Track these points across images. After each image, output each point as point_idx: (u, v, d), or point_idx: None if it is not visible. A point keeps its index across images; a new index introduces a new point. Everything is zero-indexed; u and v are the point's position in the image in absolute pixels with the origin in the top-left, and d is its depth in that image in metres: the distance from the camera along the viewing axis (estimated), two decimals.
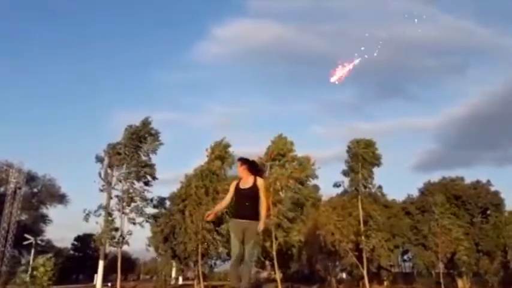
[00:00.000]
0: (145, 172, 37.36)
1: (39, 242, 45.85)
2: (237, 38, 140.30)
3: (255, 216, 5.83)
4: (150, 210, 39.00)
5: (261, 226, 5.76)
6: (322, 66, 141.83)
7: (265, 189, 6.01)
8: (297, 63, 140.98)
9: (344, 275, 53.08)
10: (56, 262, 32.03)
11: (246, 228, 5.76)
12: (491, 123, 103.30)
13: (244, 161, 6.15)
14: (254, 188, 5.85)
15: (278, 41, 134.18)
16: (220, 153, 39.63)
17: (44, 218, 54.64)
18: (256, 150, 40.91)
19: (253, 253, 5.99)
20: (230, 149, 40.42)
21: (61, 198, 55.03)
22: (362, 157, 39.50)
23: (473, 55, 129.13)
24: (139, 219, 36.86)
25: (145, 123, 38.71)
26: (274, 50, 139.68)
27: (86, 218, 36.63)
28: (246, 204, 5.81)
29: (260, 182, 5.92)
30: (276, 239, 36.39)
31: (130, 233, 36.63)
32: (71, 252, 64.76)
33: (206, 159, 39.62)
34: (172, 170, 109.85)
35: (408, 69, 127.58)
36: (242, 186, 5.92)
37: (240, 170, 6.05)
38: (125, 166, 37.13)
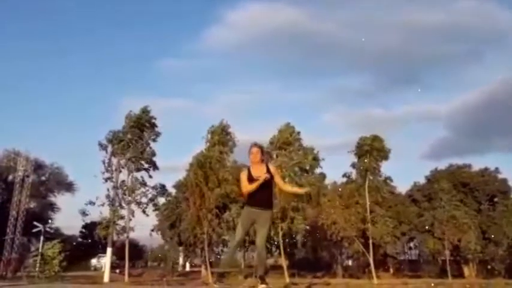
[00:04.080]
0: (146, 161, 37.43)
1: (47, 229, 46.43)
2: (249, 23, 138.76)
3: (269, 205, 5.72)
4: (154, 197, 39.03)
5: (304, 190, 7.99)
6: (335, 53, 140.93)
7: (278, 173, 5.83)
8: (309, 49, 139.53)
9: (350, 262, 53.40)
10: (64, 249, 32.44)
11: (258, 217, 5.61)
12: (505, 110, 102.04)
13: (260, 146, 5.94)
14: (270, 175, 5.64)
15: (291, 26, 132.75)
16: (220, 137, 38.99)
17: (52, 206, 55.25)
18: (263, 139, 40.38)
19: (264, 242, 5.78)
20: (230, 131, 39.63)
21: (68, 186, 55.53)
22: (370, 148, 39.45)
23: (492, 40, 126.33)
24: (141, 208, 37.02)
25: (145, 111, 38.46)
26: (287, 36, 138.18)
27: (83, 213, 37.59)
28: (261, 193, 5.58)
29: (273, 168, 5.78)
30: (282, 229, 36.49)
31: (131, 219, 36.73)
32: (79, 239, 65.71)
33: (206, 145, 39.35)
34: (181, 157, 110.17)
35: (424, 56, 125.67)
36: (256, 174, 5.64)
37: (254, 156, 5.77)
38: (128, 154, 37.19)
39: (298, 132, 42.45)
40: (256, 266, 6.02)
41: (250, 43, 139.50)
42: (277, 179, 5.82)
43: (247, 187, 5.62)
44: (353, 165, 41.52)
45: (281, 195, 31.84)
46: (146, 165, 37.61)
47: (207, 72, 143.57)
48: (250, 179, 5.61)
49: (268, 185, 5.64)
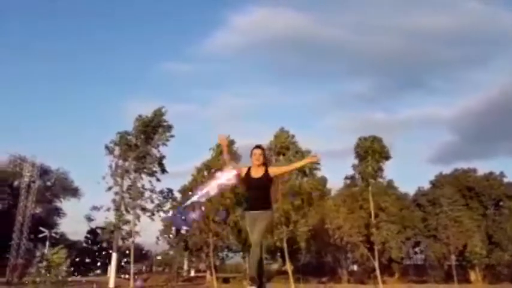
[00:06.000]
0: (154, 165, 37.32)
1: (53, 234, 46.66)
2: (252, 27, 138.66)
3: (268, 206, 5.67)
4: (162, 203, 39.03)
5: (311, 159, 6.42)
6: (338, 57, 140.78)
7: (278, 168, 5.84)
8: (312, 54, 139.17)
9: (355, 267, 53.15)
10: (70, 254, 32.57)
11: (257, 218, 5.57)
12: (510, 113, 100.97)
13: (262, 148, 5.83)
14: (267, 177, 5.59)
15: (293, 30, 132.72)
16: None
17: (57, 211, 55.55)
18: (262, 144, 40.84)
19: (260, 239, 5.56)
20: (234, 146, 40.02)
21: (74, 192, 55.84)
22: (371, 150, 39.36)
23: (497, 44, 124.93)
24: (148, 213, 36.95)
25: (158, 114, 38.12)
26: (289, 40, 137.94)
27: (89, 219, 37.62)
28: (258, 194, 5.60)
29: (271, 170, 5.71)
30: (286, 234, 36.49)
31: (136, 224, 36.67)
32: (84, 245, 65.89)
33: (213, 154, 39.68)
34: (184, 162, 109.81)
35: (428, 59, 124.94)
36: (254, 175, 5.60)
37: (257, 158, 5.63)
38: (135, 158, 37.12)
39: (293, 136, 42.43)
40: (249, 266, 5.90)
41: (253, 47, 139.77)
42: (280, 172, 5.83)
43: (233, 167, 6.17)
44: (353, 167, 41.37)
45: (283, 197, 31.87)
46: (154, 169, 37.47)
47: (208, 76, 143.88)
48: (248, 178, 5.63)
49: (263, 187, 5.64)
